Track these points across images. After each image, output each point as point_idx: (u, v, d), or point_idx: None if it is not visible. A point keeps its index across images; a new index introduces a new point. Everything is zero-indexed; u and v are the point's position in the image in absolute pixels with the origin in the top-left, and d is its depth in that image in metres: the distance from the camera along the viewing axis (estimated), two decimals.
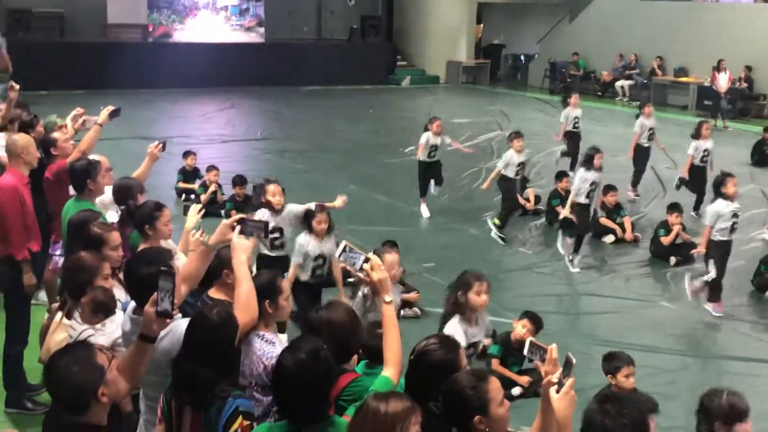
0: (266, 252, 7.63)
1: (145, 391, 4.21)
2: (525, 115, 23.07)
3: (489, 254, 11.22)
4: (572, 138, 15.18)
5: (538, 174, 15.31)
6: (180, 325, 3.92)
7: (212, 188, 12.50)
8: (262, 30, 27.80)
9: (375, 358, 4.17)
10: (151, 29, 26.25)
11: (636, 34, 26.64)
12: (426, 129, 12.58)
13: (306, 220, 7.47)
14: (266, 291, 4.42)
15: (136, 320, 4.07)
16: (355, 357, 4.40)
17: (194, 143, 16.34)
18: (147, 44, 25.98)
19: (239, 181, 12.16)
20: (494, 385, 3.52)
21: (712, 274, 9.07)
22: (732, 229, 9.04)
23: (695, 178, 13.16)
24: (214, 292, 4.83)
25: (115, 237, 5.33)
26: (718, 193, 9.08)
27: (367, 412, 3.22)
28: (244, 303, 4.19)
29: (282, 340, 4.55)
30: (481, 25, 33.03)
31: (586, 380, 6.24)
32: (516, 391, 7.10)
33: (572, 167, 15.08)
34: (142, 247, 5.40)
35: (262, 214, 7.63)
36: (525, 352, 3.69)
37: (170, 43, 26.31)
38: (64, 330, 4.80)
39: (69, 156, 7.30)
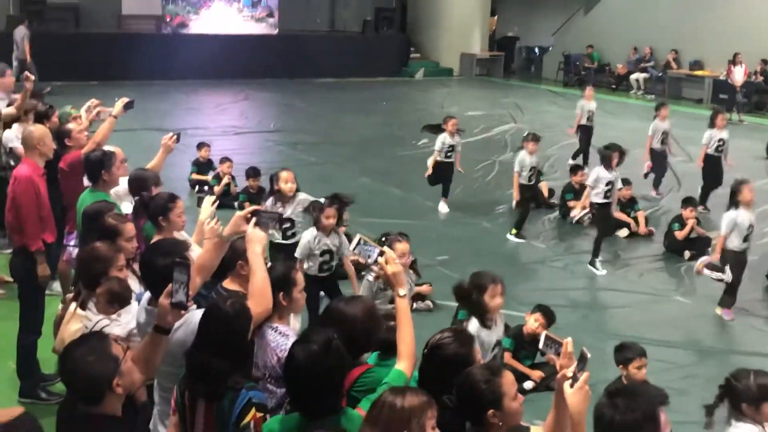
0: (279, 240, 7.60)
1: (159, 382, 4.22)
2: (539, 107, 23.00)
3: (502, 248, 11.20)
4: (585, 131, 15.11)
5: (552, 167, 15.26)
6: (195, 316, 3.93)
7: (225, 180, 12.52)
8: (272, 20, 27.76)
9: (388, 350, 4.16)
10: (168, 19, 26.29)
11: (651, 26, 26.50)
12: (441, 130, 12.49)
13: (312, 213, 7.37)
14: (281, 283, 4.42)
15: (150, 311, 4.08)
16: None
17: (208, 135, 16.35)
18: (161, 35, 26.01)
19: (253, 172, 12.16)
20: (508, 379, 3.52)
21: (728, 276, 8.93)
22: (746, 239, 8.90)
23: (709, 168, 13.09)
24: (228, 284, 4.83)
25: (130, 228, 5.34)
26: (734, 202, 8.88)
27: (384, 406, 3.22)
28: (259, 293, 4.19)
29: (295, 327, 4.56)
30: (495, 18, 32.92)
31: (599, 375, 6.19)
32: (528, 385, 7.09)
33: (584, 162, 15.03)
34: (155, 238, 5.41)
35: (270, 203, 7.64)
36: (540, 345, 3.68)
37: (184, 34, 26.32)
38: (78, 320, 4.81)
39: (83, 147, 7.32)
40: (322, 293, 7.50)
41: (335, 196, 7.39)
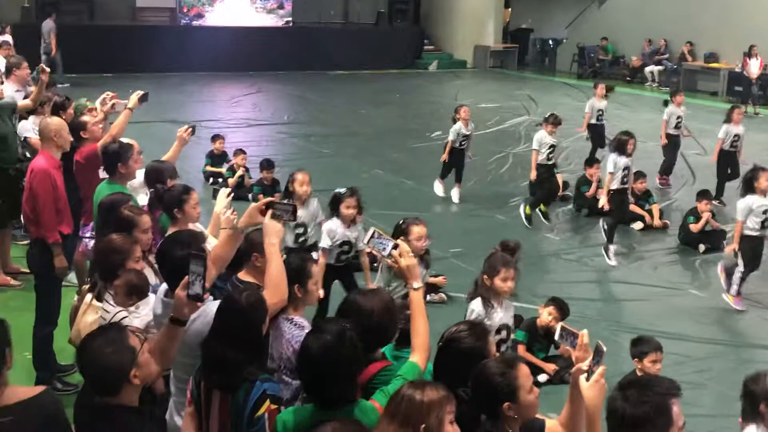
0: (290, 244, 7.58)
1: (175, 373, 4.25)
2: (553, 100, 22.92)
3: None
4: (595, 130, 14.89)
5: (566, 159, 15.21)
6: (211, 307, 3.94)
7: (240, 172, 12.54)
8: (282, 12, 27.73)
9: (403, 340, 4.16)
10: (185, 10, 26.34)
11: (666, 18, 26.34)
12: (454, 121, 12.46)
13: (333, 204, 7.37)
14: (296, 275, 4.44)
15: (167, 303, 4.10)
16: None
17: (222, 127, 16.39)
18: (175, 27, 26.07)
19: (267, 164, 12.19)
20: (523, 371, 3.51)
21: (740, 267, 8.94)
22: (763, 225, 8.88)
23: (724, 163, 13.03)
24: (243, 275, 4.85)
25: (146, 220, 5.36)
26: (750, 188, 8.85)
27: (403, 400, 3.22)
28: (274, 284, 4.21)
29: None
30: (509, 9, 32.82)
31: (614, 368, 6.19)
32: (542, 377, 7.08)
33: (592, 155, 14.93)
34: (171, 230, 5.42)
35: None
36: (556, 336, 3.67)
37: (198, 26, 26.38)
38: (95, 312, 4.84)
39: (99, 139, 7.34)
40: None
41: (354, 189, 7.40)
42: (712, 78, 25.19)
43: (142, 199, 6.44)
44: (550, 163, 11.70)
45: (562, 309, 7.29)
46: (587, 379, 3.32)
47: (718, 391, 7.07)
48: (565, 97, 23.48)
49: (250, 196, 11.53)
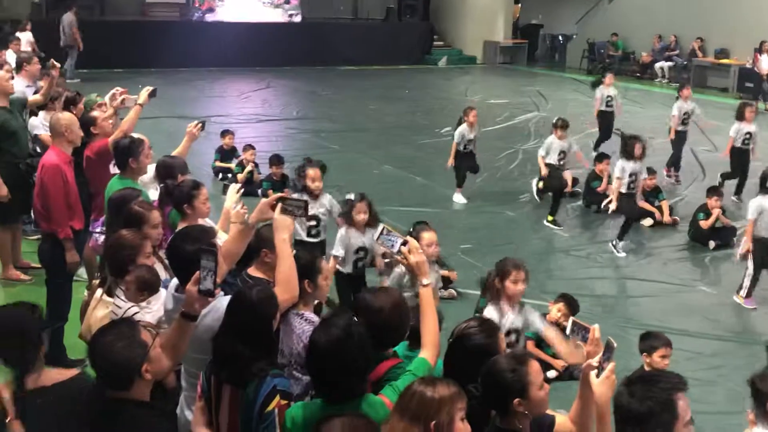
0: (303, 237, 7.59)
1: (186, 368, 4.26)
2: (563, 96, 22.88)
3: (525, 236, 11.17)
4: (604, 117, 15.03)
5: (575, 156, 15.15)
6: (221, 303, 3.95)
7: (249, 168, 12.56)
8: (288, 6, 27.72)
9: (416, 340, 4.15)
10: (197, 4, 26.38)
11: (676, 14, 26.24)
12: (460, 122, 12.42)
13: (347, 213, 7.29)
14: (306, 270, 4.44)
15: (178, 298, 4.11)
16: None
17: (231, 122, 16.41)
18: (185, 23, 26.10)
19: (276, 160, 12.20)
20: (534, 368, 3.51)
21: (750, 270, 8.89)
22: None
23: (737, 161, 12.99)
24: (253, 271, 4.86)
25: (156, 215, 5.36)
26: (764, 188, 8.76)
27: (414, 396, 3.22)
28: (285, 281, 4.21)
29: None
30: (519, 5, 32.76)
31: (623, 364, 6.18)
32: (551, 374, 7.08)
33: (596, 146, 14.93)
34: (180, 226, 5.43)
35: (299, 196, 7.62)
36: (567, 331, 3.67)
37: (208, 22, 26.40)
38: (105, 307, 4.85)
39: (109, 135, 7.36)
40: None
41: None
42: (722, 74, 25.09)
43: (153, 194, 6.45)
44: (561, 165, 11.69)
45: (572, 305, 7.29)
46: (597, 375, 3.32)
47: (728, 388, 7.05)
48: (574, 93, 23.43)
49: (259, 191, 11.54)
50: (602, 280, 9.88)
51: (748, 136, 12.79)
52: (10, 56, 13.18)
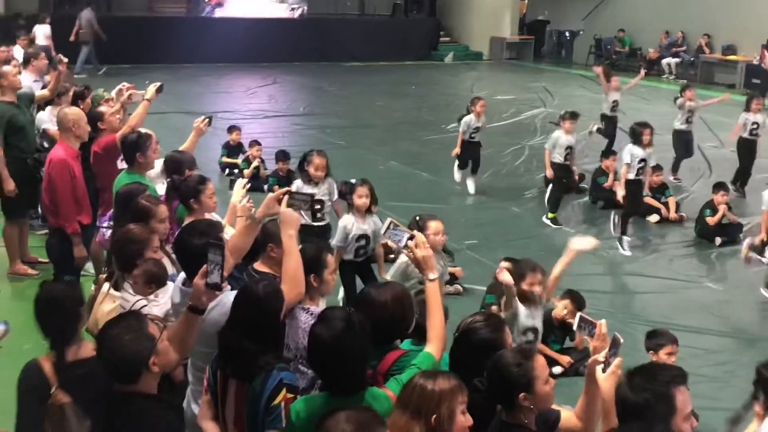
0: (309, 221, 7.61)
1: (193, 361, 4.28)
2: (569, 92, 22.84)
3: (531, 232, 11.16)
4: (609, 122, 14.68)
5: (581, 152, 15.12)
6: (228, 297, 3.96)
7: (255, 163, 12.57)
8: (291, 0, 27.69)
9: (422, 335, 4.16)
10: (206, 0, 26.44)
11: (683, 10, 26.18)
12: (467, 111, 12.42)
13: (345, 196, 7.34)
14: (312, 265, 4.45)
15: (185, 292, 4.12)
16: None
17: (238, 118, 16.43)
18: (192, 19, 26.11)
19: (282, 156, 12.20)
20: (539, 362, 3.52)
21: (766, 261, 8.88)
22: None
23: (745, 151, 12.97)
24: (259, 266, 4.87)
25: (163, 210, 5.38)
26: None
27: (415, 389, 3.24)
28: (292, 277, 4.22)
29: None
30: (526, 1, 32.67)
31: (629, 361, 6.15)
32: (557, 369, 7.08)
33: (606, 153, 14.80)
34: (187, 220, 5.45)
35: (299, 183, 7.64)
36: (574, 326, 3.68)
37: (214, 17, 26.41)
38: (112, 301, 4.87)
39: (117, 130, 7.38)
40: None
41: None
42: (729, 70, 25.01)
43: (161, 189, 6.46)
44: (566, 163, 11.51)
45: (578, 302, 7.28)
46: (603, 371, 3.33)
47: (734, 384, 7.04)
48: (581, 89, 23.38)
49: (265, 187, 11.55)
50: (608, 276, 9.88)
51: (755, 125, 12.77)
52: (18, 52, 13.21)
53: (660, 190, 11.95)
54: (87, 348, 3.92)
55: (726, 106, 15.12)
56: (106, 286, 5.04)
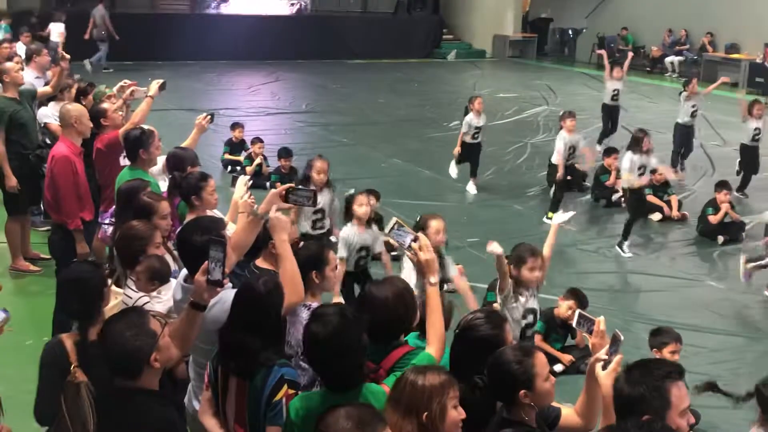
0: (308, 230, 7.55)
1: (194, 358, 4.28)
2: (572, 90, 22.83)
3: (533, 230, 11.14)
4: (608, 111, 14.80)
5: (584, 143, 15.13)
6: (229, 294, 3.97)
7: (258, 160, 12.57)
8: None
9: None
10: None
11: (686, 9, 26.13)
12: (466, 111, 12.42)
13: (346, 210, 7.21)
14: (313, 262, 4.46)
15: (187, 288, 4.13)
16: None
17: (240, 115, 16.42)
18: (195, 16, 26.09)
19: (284, 153, 12.20)
20: (540, 360, 3.52)
21: (766, 261, 8.87)
22: None
23: (747, 158, 12.96)
24: (260, 262, 4.87)
25: (165, 206, 5.39)
26: None
27: (405, 385, 3.25)
28: (290, 282, 4.19)
29: None
30: None
31: (630, 358, 6.18)
32: (558, 368, 7.08)
33: (600, 140, 14.83)
34: (189, 217, 5.45)
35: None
36: (573, 323, 3.68)
37: (216, 15, 26.40)
38: (114, 297, 4.87)
39: (119, 127, 7.38)
40: None
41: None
42: (732, 69, 24.93)
43: (163, 185, 6.46)
44: (570, 162, 11.57)
45: (581, 301, 7.26)
46: (604, 368, 3.33)
47: (735, 383, 7.02)
48: (584, 87, 23.37)
49: (267, 184, 11.55)
50: (610, 274, 9.87)
51: (756, 131, 12.75)
52: (20, 48, 13.21)
53: (663, 189, 11.94)
54: None
55: (729, 105, 15.12)
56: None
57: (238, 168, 12.58)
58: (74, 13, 21.87)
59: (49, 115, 9.29)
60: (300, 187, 4.70)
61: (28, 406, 4.07)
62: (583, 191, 12.81)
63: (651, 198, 11.64)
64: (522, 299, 5.56)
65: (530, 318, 5.62)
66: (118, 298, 4.74)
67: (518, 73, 26.84)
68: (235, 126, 13.58)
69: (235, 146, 13.33)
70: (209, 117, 7.15)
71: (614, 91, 14.63)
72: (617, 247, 10.37)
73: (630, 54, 15.80)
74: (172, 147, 6.77)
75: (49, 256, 7.70)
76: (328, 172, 7.69)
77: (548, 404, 3.61)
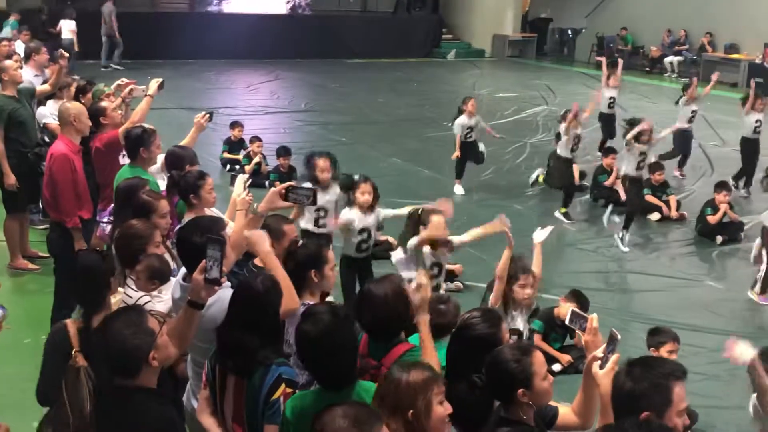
0: (310, 228, 7.59)
1: (192, 357, 4.28)
2: (571, 89, 22.80)
3: (532, 230, 11.04)
4: (605, 120, 14.66)
5: (583, 149, 15.09)
6: (227, 293, 3.96)
7: (256, 159, 12.57)
8: None
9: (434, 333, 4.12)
10: None
11: (686, 9, 26.13)
12: (459, 112, 12.41)
13: (345, 188, 7.26)
14: (312, 261, 4.45)
15: (185, 287, 4.12)
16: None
17: (239, 114, 16.42)
18: (194, 15, 26.10)
19: (283, 152, 12.20)
20: (538, 358, 3.53)
21: (765, 264, 8.85)
22: None
23: (748, 150, 12.98)
24: (259, 261, 4.86)
25: (164, 204, 5.38)
26: None
27: (390, 383, 3.25)
28: (284, 293, 4.17)
29: None
30: None
31: (628, 358, 6.20)
32: (556, 367, 7.08)
33: (600, 148, 14.77)
34: (187, 216, 5.44)
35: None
36: (566, 320, 3.68)
37: (216, 13, 26.41)
38: (112, 296, 4.87)
39: (119, 125, 7.37)
40: None
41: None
42: (732, 69, 24.93)
43: (162, 184, 6.45)
44: (573, 155, 11.54)
45: (583, 304, 7.24)
46: (601, 367, 3.33)
47: (733, 382, 7.04)
48: (583, 87, 23.34)
49: (266, 183, 11.55)
50: (609, 274, 9.87)
51: (758, 123, 12.76)
52: (19, 47, 13.21)
53: (661, 189, 11.94)
54: None
55: (728, 105, 15.12)
56: None
57: (237, 167, 12.57)
58: (81, 11, 21.88)
59: (47, 114, 9.28)
60: (300, 185, 4.71)
61: (27, 404, 4.08)
62: (582, 191, 12.80)
63: (650, 198, 11.66)
64: (508, 318, 5.50)
65: (513, 339, 5.56)
66: (118, 297, 4.74)
67: (517, 72, 26.84)
68: (234, 125, 13.57)
69: (234, 145, 13.32)
70: (208, 116, 7.14)
71: (610, 99, 14.48)
72: (616, 237, 10.39)
73: (620, 61, 15.70)
74: (170, 145, 6.78)
75: (47, 255, 7.70)
76: (338, 169, 7.65)
77: (546, 403, 3.61)
